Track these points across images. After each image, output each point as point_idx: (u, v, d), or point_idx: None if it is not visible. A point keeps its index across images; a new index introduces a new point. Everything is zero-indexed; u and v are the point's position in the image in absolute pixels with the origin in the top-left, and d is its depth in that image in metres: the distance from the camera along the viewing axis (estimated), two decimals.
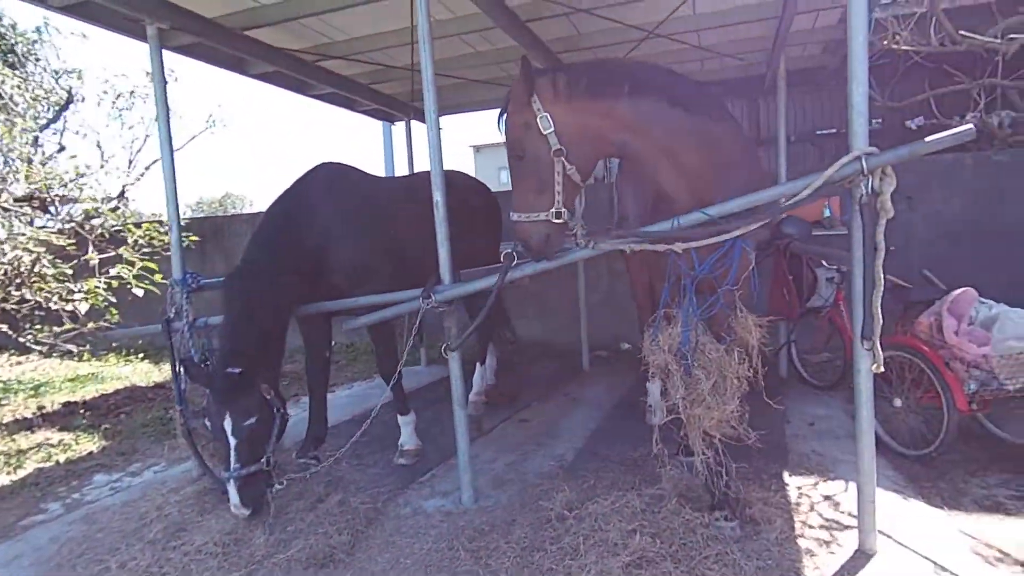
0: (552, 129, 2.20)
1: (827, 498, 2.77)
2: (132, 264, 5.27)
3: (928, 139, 2.10)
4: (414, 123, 6.15)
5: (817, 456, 3.29)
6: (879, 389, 3.59)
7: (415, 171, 5.46)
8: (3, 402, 5.45)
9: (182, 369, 2.81)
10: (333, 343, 3.53)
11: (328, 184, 3.08)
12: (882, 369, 2.28)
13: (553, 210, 2.23)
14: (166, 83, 3.33)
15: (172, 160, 3.34)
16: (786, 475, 3.01)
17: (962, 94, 5.05)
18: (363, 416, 2.99)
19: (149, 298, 5.06)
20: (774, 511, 2.50)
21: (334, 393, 5.20)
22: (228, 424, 2.37)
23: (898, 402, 3.40)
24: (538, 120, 2.20)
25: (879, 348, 2.26)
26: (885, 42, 4.16)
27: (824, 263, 4.36)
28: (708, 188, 2.34)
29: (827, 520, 2.56)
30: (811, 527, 2.49)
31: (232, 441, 2.36)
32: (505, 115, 2.32)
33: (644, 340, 2.59)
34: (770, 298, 4.58)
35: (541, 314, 6.51)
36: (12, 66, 8.46)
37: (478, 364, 4.45)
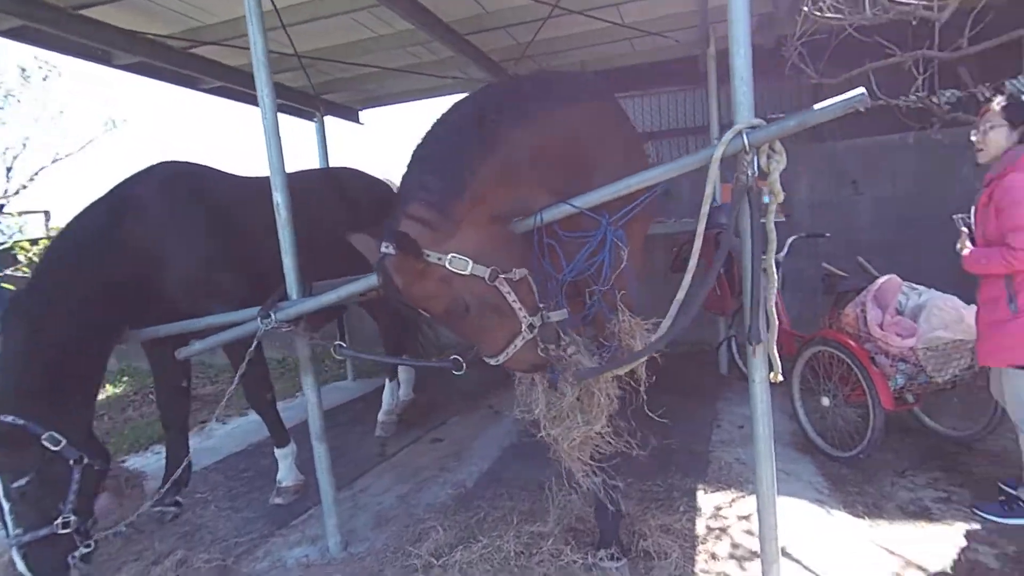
0: (468, 260, 1.72)
1: (742, 518, 2.47)
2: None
3: (817, 107, 1.78)
4: (329, 118, 5.72)
5: (740, 466, 2.99)
6: (808, 385, 3.37)
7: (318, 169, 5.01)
8: None
9: None
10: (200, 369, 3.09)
11: (162, 186, 2.62)
12: (780, 378, 1.98)
13: (525, 325, 1.81)
14: None
15: None
16: (701, 492, 2.70)
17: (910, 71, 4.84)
18: (262, 445, 2.57)
19: None
20: (673, 541, 2.18)
21: (247, 417, 4.76)
22: None
23: (825, 400, 3.13)
24: (448, 265, 1.70)
25: (776, 354, 1.96)
26: (805, 9, 3.87)
27: None
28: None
29: (735, 547, 2.25)
30: (715, 558, 2.18)
31: (4, 504, 1.94)
32: (408, 293, 1.77)
33: None
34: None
35: None
36: None
37: (387, 380, 4.07)
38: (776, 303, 3.95)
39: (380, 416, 3.93)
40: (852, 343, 2.93)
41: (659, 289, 2.50)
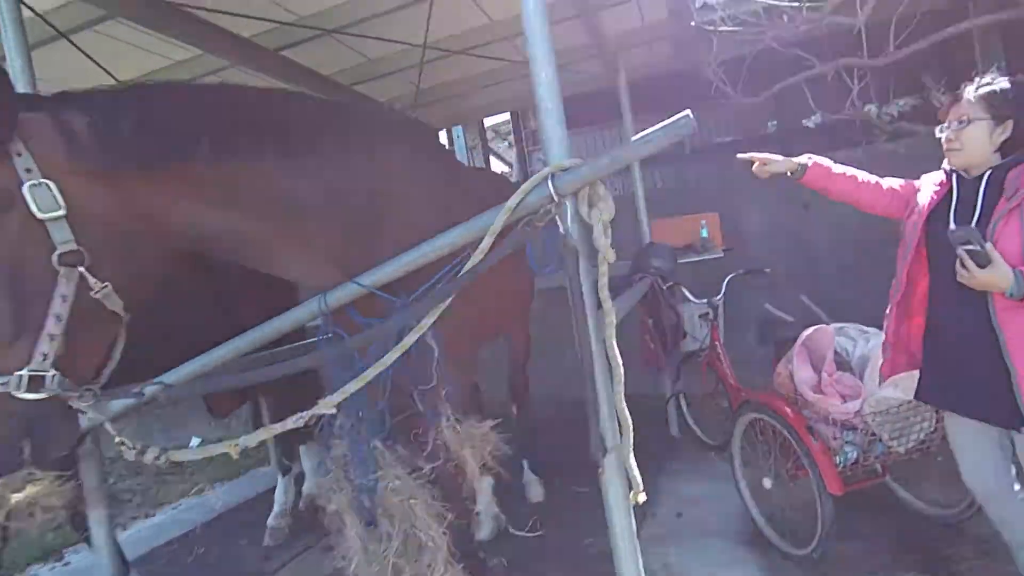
0: (62, 213, 1.19)
1: None
2: None
3: (636, 138, 1.35)
4: None
5: (666, 575, 2.42)
6: (752, 462, 2.82)
7: None
8: None
9: None
10: None
11: None
12: (642, 499, 1.47)
13: (27, 372, 1.16)
14: None
15: None
16: None
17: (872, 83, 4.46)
18: None
19: None
20: None
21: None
22: None
23: (767, 482, 2.58)
24: (27, 192, 1.15)
25: (633, 467, 1.46)
26: (720, 28, 3.54)
27: (690, 297, 3.60)
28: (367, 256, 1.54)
29: None
30: None
31: None
32: None
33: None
34: (640, 346, 3.80)
35: None
36: None
37: (280, 475, 3.52)
38: (719, 353, 3.52)
39: (270, 521, 3.38)
40: (787, 409, 2.41)
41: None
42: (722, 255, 4.10)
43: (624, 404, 1.40)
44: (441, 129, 5.04)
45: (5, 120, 1.15)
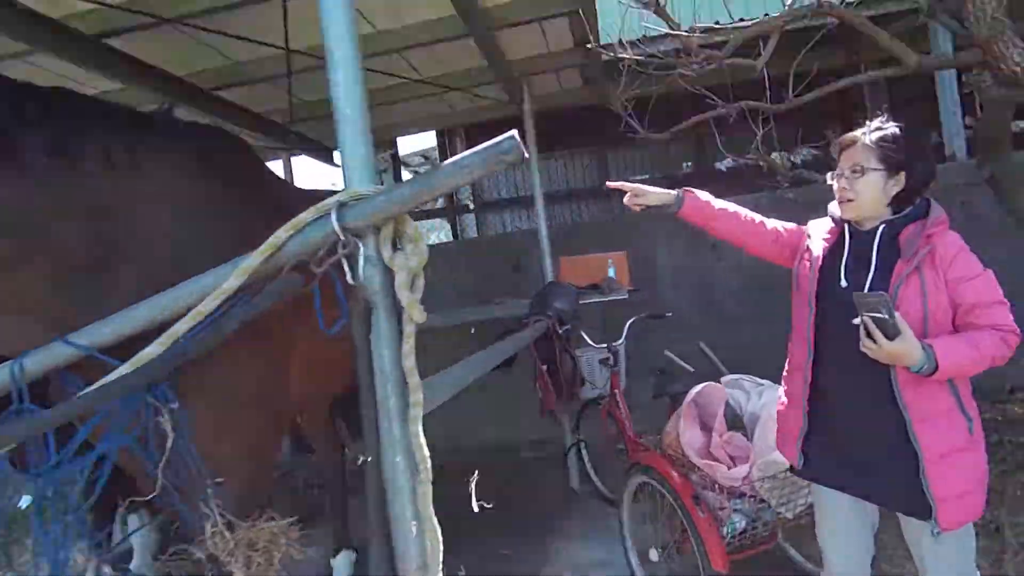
0: None
1: None
2: None
3: (448, 162, 1.05)
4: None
5: None
6: (641, 529, 2.55)
7: None
8: None
9: None
10: None
11: None
12: None
13: None
14: None
15: None
16: None
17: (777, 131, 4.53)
18: None
19: None
20: None
21: None
22: None
23: (654, 554, 2.32)
24: None
25: None
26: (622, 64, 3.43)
27: (589, 342, 3.37)
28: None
29: None
30: None
31: None
32: None
33: None
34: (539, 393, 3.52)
35: None
36: None
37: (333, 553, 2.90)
38: (618, 401, 3.29)
39: None
40: (673, 474, 2.17)
41: None
42: (627, 296, 3.93)
43: (432, 512, 1.04)
44: (330, 149, 4.63)
45: None
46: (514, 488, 3.74)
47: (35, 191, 1.12)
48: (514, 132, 1.00)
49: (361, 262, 1.04)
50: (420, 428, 1.05)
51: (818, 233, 1.68)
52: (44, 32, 2.10)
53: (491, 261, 4.98)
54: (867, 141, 1.54)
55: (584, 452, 3.75)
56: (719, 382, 2.78)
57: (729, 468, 2.07)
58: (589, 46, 3.07)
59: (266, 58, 3.01)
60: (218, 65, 3.05)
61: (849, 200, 1.55)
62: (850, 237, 1.59)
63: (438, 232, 7.90)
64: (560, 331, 3.20)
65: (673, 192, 1.76)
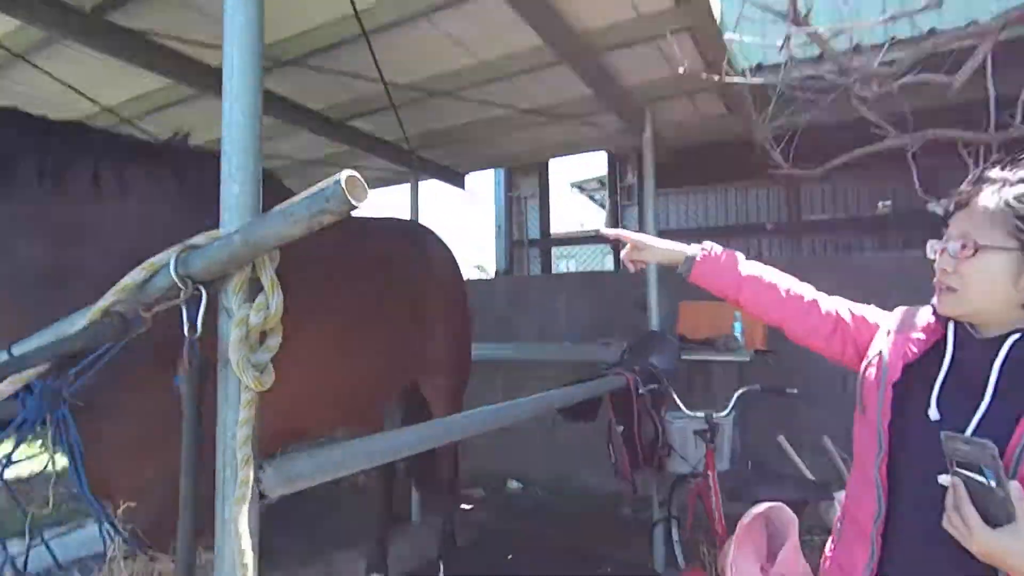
0: None
1: None
2: None
3: (274, 210, 0.90)
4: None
5: None
6: None
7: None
8: None
9: None
10: None
11: None
12: None
13: None
14: None
15: None
16: None
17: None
18: None
19: None
20: None
21: None
22: None
23: None
24: None
25: None
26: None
27: (682, 407, 2.86)
28: None
29: None
30: None
31: None
32: None
33: None
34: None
35: None
36: None
37: None
38: (711, 485, 2.73)
39: None
40: None
41: None
42: (748, 359, 3.27)
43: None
44: (467, 172, 4.80)
45: None
46: (604, 549, 3.40)
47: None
48: (341, 176, 0.82)
49: (201, 312, 0.95)
50: (244, 516, 0.92)
51: (906, 327, 1.12)
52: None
53: (616, 297, 4.63)
54: (990, 203, 0.99)
55: (675, 531, 3.21)
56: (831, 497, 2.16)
57: None
58: (710, 75, 2.65)
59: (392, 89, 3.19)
60: (345, 100, 3.35)
61: (950, 289, 1.01)
62: (955, 346, 1.03)
63: (567, 260, 7.69)
64: (642, 390, 2.78)
65: (688, 249, 1.36)
